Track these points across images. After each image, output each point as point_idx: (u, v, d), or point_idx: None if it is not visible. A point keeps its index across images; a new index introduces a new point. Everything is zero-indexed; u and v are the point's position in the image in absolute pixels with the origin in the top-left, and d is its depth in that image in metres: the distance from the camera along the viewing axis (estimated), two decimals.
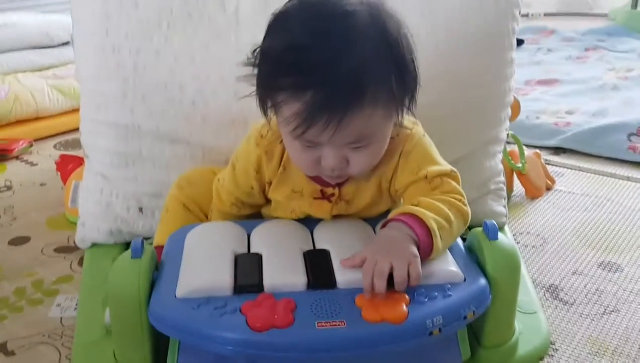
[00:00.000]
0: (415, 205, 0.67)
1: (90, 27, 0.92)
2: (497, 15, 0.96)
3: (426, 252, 0.65)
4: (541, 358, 0.75)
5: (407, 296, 0.61)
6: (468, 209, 0.71)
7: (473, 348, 0.70)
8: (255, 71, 0.66)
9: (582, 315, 0.84)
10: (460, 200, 0.70)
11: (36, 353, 0.78)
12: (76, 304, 0.88)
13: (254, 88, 0.68)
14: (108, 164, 0.95)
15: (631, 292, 0.90)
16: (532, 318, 0.81)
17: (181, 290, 0.63)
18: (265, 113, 0.68)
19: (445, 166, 0.73)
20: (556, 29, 2.72)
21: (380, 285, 0.60)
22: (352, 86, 0.60)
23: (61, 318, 0.85)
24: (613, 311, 0.85)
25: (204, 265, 0.67)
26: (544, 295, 0.89)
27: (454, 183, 0.72)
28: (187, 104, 0.92)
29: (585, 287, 0.91)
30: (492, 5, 0.96)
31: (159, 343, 0.68)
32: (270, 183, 0.76)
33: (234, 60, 0.75)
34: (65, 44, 1.82)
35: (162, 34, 0.90)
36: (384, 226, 0.68)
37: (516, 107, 1.15)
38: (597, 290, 0.91)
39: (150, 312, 0.63)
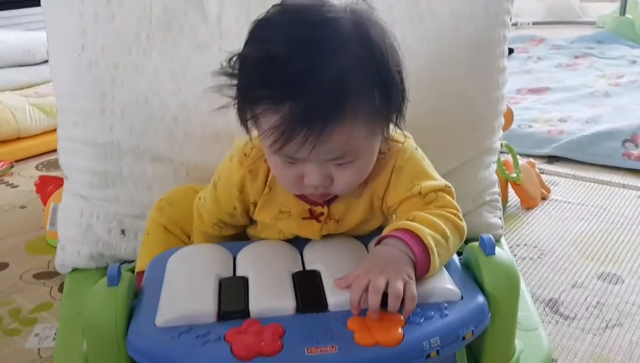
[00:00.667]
0: (411, 220, 0.64)
1: (65, 42, 0.88)
2: (488, 23, 0.94)
3: (423, 270, 0.62)
4: None
5: (401, 317, 0.57)
6: (464, 224, 0.68)
7: None
8: (234, 81, 0.63)
9: (584, 330, 0.81)
10: (455, 215, 0.67)
11: None
12: (55, 334, 0.83)
13: (229, 99, 0.64)
14: (87, 184, 0.91)
15: (633, 304, 0.87)
16: (532, 335, 0.77)
17: (161, 319, 0.59)
18: (245, 126, 0.64)
19: (440, 181, 0.70)
20: (545, 37, 2.72)
21: (375, 300, 0.56)
22: (332, 99, 0.57)
23: (39, 349, 0.81)
24: (616, 325, 0.82)
25: (186, 291, 0.63)
26: (544, 310, 0.86)
27: (448, 197, 0.69)
28: (168, 120, 0.88)
29: (585, 300, 0.88)
30: (483, 13, 0.93)
31: None
32: (255, 204, 0.72)
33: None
34: (47, 61, 1.78)
35: (141, 46, 0.86)
36: (379, 242, 0.64)
37: (509, 116, 1.12)
38: (598, 303, 0.87)
39: (129, 343, 0.59)
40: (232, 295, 0.62)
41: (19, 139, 1.56)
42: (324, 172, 0.62)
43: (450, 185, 0.70)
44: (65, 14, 0.87)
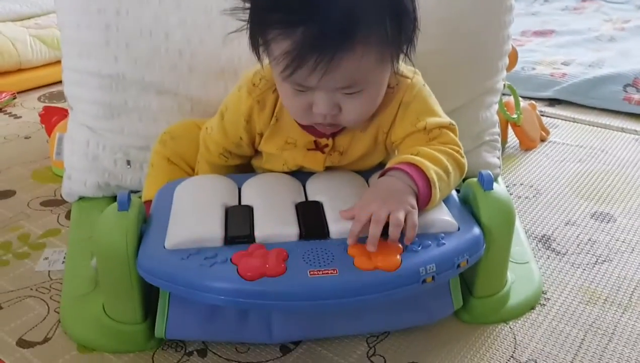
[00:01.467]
0: (415, 155, 0.65)
1: None
2: None
3: (424, 202, 0.64)
4: (533, 308, 0.75)
5: (400, 245, 0.59)
6: (465, 161, 0.70)
7: (465, 298, 0.70)
8: (247, 5, 0.63)
9: (574, 265, 0.84)
10: (458, 152, 0.69)
11: (24, 306, 0.77)
12: (64, 258, 0.86)
13: (243, 24, 0.64)
14: (93, 115, 0.92)
15: (623, 241, 0.90)
16: (524, 268, 0.80)
17: (170, 242, 0.62)
18: (256, 52, 0.65)
19: (445, 118, 0.71)
20: None
21: (375, 230, 0.58)
22: (343, 25, 0.57)
23: (49, 271, 0.84)
24: (605, 261, 0.85)
25: (194, 217, 0.65)
26: (537, 245, 0.89)
27: (451, 135, 0.71)
28: (173, 53, 0.88)
29: (577, 237, 0.91)
30: None
31: (149, 294, 0.67)
32: (261, 135, 0.74)
33: (222, 6, 0.71)
34: None
35: None
36: (383, 174, 0.66)
37: (514, 56, 1.12)
38: (589, 240, 0.90)
39: (139, 264, 0.62)
40: (238, 221, 0.65)
41: (20, 70, 1.55)
42: (332, 101, 0.63)
43: (454, 123, 0.72)
44: None
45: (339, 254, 0.59)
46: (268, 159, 0.76)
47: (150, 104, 0.91)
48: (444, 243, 0.60)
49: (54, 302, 0.77)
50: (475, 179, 0.70)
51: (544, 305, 0.76)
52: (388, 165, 0.66)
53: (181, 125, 0.87)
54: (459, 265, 0.61)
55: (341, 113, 0.65)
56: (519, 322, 0.73)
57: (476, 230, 0.64)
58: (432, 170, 0.64)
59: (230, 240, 0.62)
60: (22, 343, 0.70)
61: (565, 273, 0.82)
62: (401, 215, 0.59)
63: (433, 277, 0.58)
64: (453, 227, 0.63)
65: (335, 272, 0.56)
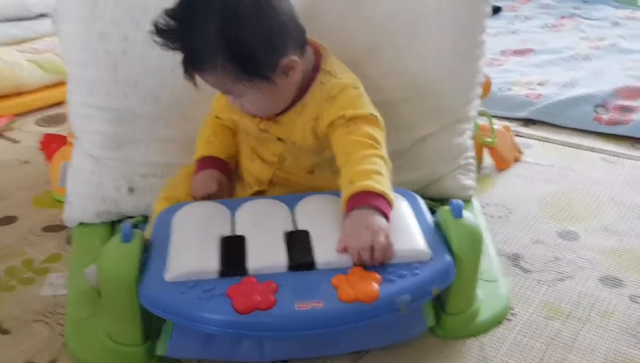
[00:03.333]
0: (351, 182, 0.74)
1: (76, 14, 0.93)
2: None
3: (388, 209, 0.73)
4: (500, 322, 0.82)
5: (378, 275, 0.67)
6: (381, 152, 0.78)
7: (438, 314, 0.78)
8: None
9: (540, 282, 0.91)
10: (371, 145, 0.78)
11: (31, 330, 0.83)
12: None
13: None
14: (100, 145, 0.98)
15: (585, 259, 0.97)
16: (493, 285, 0.88)
17: (170, 274, 0.68)
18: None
19: (365, 110, 0.81)
20: None
21: (366, 257, 0.68)
22: (195, 57, 0.77)
23: (54, 296, 0.90)
24: (568, 277, 0.92)
25: (192, 249, 0.72)
26: (506, 263, 0.96)
27: (367, 127, 0.80)
28: (179, 88, 0.94)
29: (544, 255, 0.98)
30: None
31: (148, 317, 0.73)
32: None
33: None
34: (43, 15, 1.81)
35: (150, 19, 0.91)
36: (348, 211, 0.74)
37: (487, 86, 1.19)
38: (555, 258, 0.98)
39: (141, 295, 0.68)
40: (232, 253, 0.71)
41: (18, 94, 1.61)
42: (233, 98, 0.82)
43: (376, 114, 0.82)
44: None
45: (324, 286, 0.66)
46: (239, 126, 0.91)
47: (158, 135, 0.98)
48: (418, 273, 0.68)
49: (59, 326, 0.83)
50: (447, 207, 0.77)
51: (511, 320, 0.83)
52: (344, 196, 0.74)
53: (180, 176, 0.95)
54: (431, 293, 0.68)
55: (246, 107, 0.82)
56: (487, 336, 0.80)
57: (447, 259, 0.71)
58: (376, 184, 0.73)
59: (224, 272, 0.68)
60: None
61: (531, 290, 0.90)
62: (382, 239, 0.68)
63: (407, 306, 0.65)
64: (426, 256, 0.70)
65: (320, 304, 0.64)
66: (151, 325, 0.75)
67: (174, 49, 0.76)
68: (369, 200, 0.72)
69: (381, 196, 0.73)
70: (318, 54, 0.85)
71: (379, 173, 0.75)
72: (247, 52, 0.75)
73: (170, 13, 0.76)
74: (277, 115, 0.85)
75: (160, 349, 0.73)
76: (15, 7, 1.75)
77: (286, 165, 0.88)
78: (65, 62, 0.99)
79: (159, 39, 0.76)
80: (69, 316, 0.83)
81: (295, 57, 0.79)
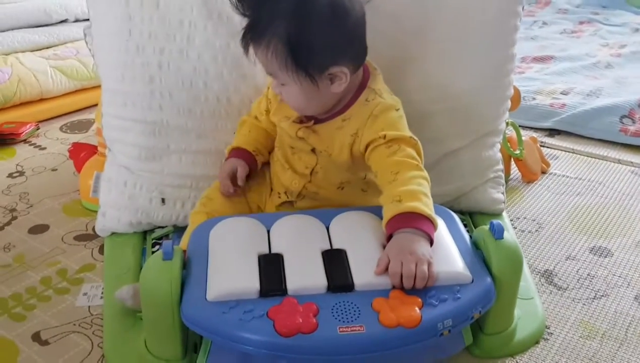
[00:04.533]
0: (399, 201, 0.74)
1: (111, 28, 0.94)
2: (500, 13, 1.00)
3: (432, 231, 0.73)
4: (537, 342, 0.82)
5: (419, 299, 0.67)
6: (426, 173, 0.79)
7: (475, 334, 0.77)
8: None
9: (575, 300, 0.91)
10: (417, 166, 0.79)
11: (69, 342, 0.83)
12: (102, 292, 0.93)
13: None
14: (134, 157, 0.99)
15: (620, 276, 0.97)
16: (529, 304, 0.87)
17: (211, 294, 0.68)
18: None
19: (405, 132, 0.82)
20: None
21: (409, 285, 0.68)
22: (258, 29, 0.78)
23: (89, 307, 0.90)
24: (603, 296, 0.92)
25: (231, 269, 0.72)
26: (540, 280, 0.96)
27: (409, 149, 0.80)
28: (212, 101, 0.96)
29: (577, 272, 0.98)
30: (495, 3, 0.99)
31: (186, 331, 0.74)
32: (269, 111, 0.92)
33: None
34: (64, 21, 1.82)
35: (185, 33, 0.93)
36: (390, 232, 0.73)
37: (516, 99, 1.19)
38: (588, 275, 0.97)
39: (184, 314, 0.68)
40: (271, 273, 0.71)
41: (41, 100, 1.62)
42: (276, 84, 0.83)
43: (415, 137, 0.82)
44: (109, 0, 0.92)
45: (365, 309, 0.66)
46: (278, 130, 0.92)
47: (191, 146, 0.98)
48: (460, 297, 0.67)
49: (97, 337, 0.84)
50: (486, 228, 0.77)
51: (547, 339, 0.83)
52: (389, 213, 0.74)
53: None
54: (472, 317, 0.68)
55: (284, 97, 0.83)
56: (525, 356, 0.80)
57: (488, 281, 0.71)
58: (423, 206, 0.73)
59: (265, 293, 0.68)
60: None
61: (566, 308, 0.89)
62: (425, 268, 0.68)
63: (449, 330, 0.65)
64: (467, 279, 0.70)
65: (362, 328, 0.64)
66: (188, 339, 0.75)
67: (242, 14, 0.79)
68: (416, 223, 0.72)
69: (428, 219, 0.73)
70: (367, 72, 0.86)
71: (426, 195, 0.75)
72: (304, 44, 0.76)
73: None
74: (316, 123, 0.85)
75: None
76: (36, 14, 1.75)
77: (317, 179, 0.89)
78: (101, 75, 1.00)
79: (235, 1, 0.78)
80: (107, 329, 0.83)
81: (346, 70, 0.79)
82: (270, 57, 0.78)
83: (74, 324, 0.87)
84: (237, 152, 0.92)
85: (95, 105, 1.03)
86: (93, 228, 1.07)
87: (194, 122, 0.97)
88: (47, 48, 1.74)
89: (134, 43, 0.92)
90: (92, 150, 1.21)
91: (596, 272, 0.98)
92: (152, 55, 0.93)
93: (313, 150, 0.87)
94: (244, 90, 0.95)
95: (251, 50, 0.80)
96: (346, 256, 0.74)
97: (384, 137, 0.80)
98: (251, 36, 0.79)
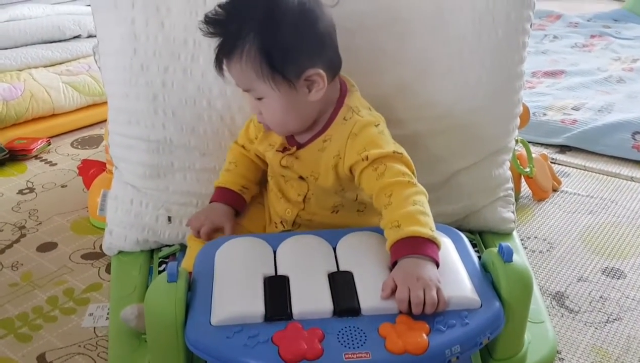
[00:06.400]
0: (398, 227, 0.73)
1: (117, 46, 0.94)
2: (508, 30, 0.99)
3: (437, 252, 0.72)
4: None
5: (427, 325, 0.65)
6: (420, 187, 0.77)
7: (484, 359, 0.75)
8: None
9: (587, 324, 0.89)
10: (409, 183, 0.77)
11: None
12: (107, 313, 0.92)
13: None
14: (139, 175, 0.99)
15: (633, 299, 0.95)
16: (540, 327, 0.86)
17: (215, 318, 0.68)
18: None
19: (387, 148, 0.79)
20: (562, 12, 2.72)
21: (418, 312, 0.66)
22: (225, 42, 0.78)
23: (94, 328, 0.90)
24: (616, 319, 0.90)
25: (236, 292, 0.71)
26: (551, 302, 0.94)
27: (397, 166, 0.78)
28: (215, 119, 0.96)
29: (589, 294, 0.96)
30: (504, 20, 0.98)
31: (191, 356, 0.73)
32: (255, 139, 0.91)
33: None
34: (77, 37, 1.84)
35: (189, 52, 0.93)
36: (395, 258, 0.72)
37: (525, 116, 1.17)
38: (600, 297, 0.95)
39: (187, 338, 0.68)
40: (277, 297, 0.70)
41: (53, 115, 1.63)
42: (253, 103, 0.81)
43: (400, 151, 0.80)
44: (115, 20, 0.93)
45: (371, 334, 0.65)
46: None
47: (195, 165, 0.98)
48: (468, 323, 0.66)
49: (101, 360, 0.84)
50: (495, 250, 0.76)
51: None
52: (390, 240, 0.73)
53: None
54: (481, 343, 0.66)
55: (263, 117, 0.82)
56: None
57: (497, 306, 0.69)
58: (426, 228, 0.72)
59: (270, 317, 0.67)
60: None
61: (578, 332, 0.88)
62: (434, 294, 0.66)
63: (457, 357, 0.64)
64: (476, 304, 0.69)
65: (368, 355, 0.62)
66: (193, 362, 0.75)
67: (212, 34, 0.78)
68: (418, 249, 0.71)
69: (430, 241, 0.72)
70: (344, 88, 0.85)
71: (424, 213, 0.74)
72: (277, 47, 0.76)
73: (222, 4, 0.79)
74: (299, 148, 0.84)
75: None
76: (49, 30, 1.78)
77: (310, 206, 0.88)
78: (107, 93, 1.00)
79: (203, 27, 0.78)
80: (112, 350, 0.83)
81: (322, 72, 0.79)
82: (245, 66, 0.77)
83: (79, 345, 0.87)
84: (223, 194, 0.90)
85: (106, 120, 1.03)
86: (100, 247, 1.07)
87: (198, 140, 0.97)
88: (60, 64, 1.76)
89: (139, 61, 0.93)
90: (101, 167, 1.21)
91: (609, 295, 0.96)
92: (156, 73, 0.93)
93: (301, 177, 0.86)
94: (247, 108, 0.94)
95: (226, 71, 0.80)
96: (353, 279, 0.73)
97: (367, 158, 0.78)
98: (224, 53, 0.79)
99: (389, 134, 0.83)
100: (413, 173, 0.79)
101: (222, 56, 0.79)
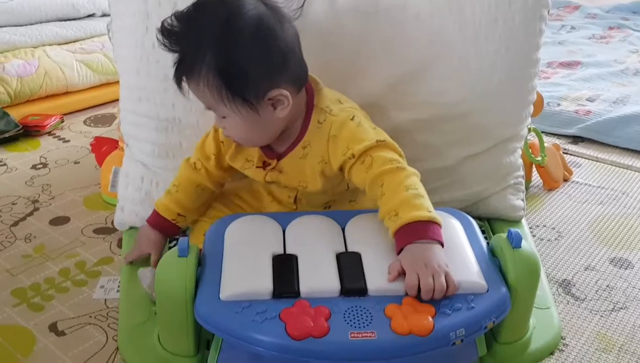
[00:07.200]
0: (396, 215, 0.72)
1: (130, 24, 0.95)
2: (525, 16, 0.98)
3: (440, 231, 0.72)
4: (552, 353, 0.81)
5: (432, 307, 0.66)
6: (410, 169, 0.77)
7: (489, 343, 0.76)
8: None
9: (592, 312, 0.90)
10: (398, 168, 0.76)
11: (85, 334, 0.85)
12: (118, 286, 0.94)
13: None
14: (149, 154, 1.00)
15: (639, 289, 0.95)
16: (545, 313, 0.86)
17: (225, 293, 0.69)
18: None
19: (370, 140, 0.78)
20: (581, 3, 2.69)
21: (428, 298, 0.67)
22: (184, 62, 0.76)
23: (105, 300, 0.92)
24: (622, 308, 0.90)
25: (245, 269, 0.72)
26: (557, 290, 0.94)
27: (383, 153, 0.77)
28: None
29: (596, 283, 0.96)
30: (521, 6, 0.97)
31: (199, 328, 0.74)
32: (224, 154, 0.88)
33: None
34: (91, 15, 1.84)
35: None
36: (400, 246, 0.72)
37: (539, 104, 1.17)
38: (607, 286, 0.95)
39: (197, 312, 0.69)
40: (285, 274, 0.71)
41: (67, 93, 1.64)
42: (218, 119, 0.80)
43: (381, 138, 0.78)
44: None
45: (377, 315, 0.65)
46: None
47: None
48: (473, 307, 0.66)
49: (112, 330, 0.85)
50: (504, 235, 0.76)
51: (563, 350, 0.82)
52: (391, 229, 0.73)
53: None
54: (486, 327, 0.67)
55: (229, 131, 0.80)
56: None
57: (503, 291, 0.70)
58: (422, 213, 0.71)
59: (278, 294, 0.68)
60: None
61: (583, 320, 0.88)
62: (443, 280, 0.67)
63: (462, 340, 0.64)
64: (482, 288, 0.69)
65: (373, 335, 0.63)
66: (201, 336, 0.76)
67: (170, 49, 0.76)
68: (421, 233, 0.70)
69: (430, 222, 0.71)
70: (310, 91, 0.83)
71: (418, 196, 0.73)
72: (235, 71, 0.74)
73: (178, 15, 0.76)
74: (279, 159, 0.84)
75: (211, 361, 0.74)
76: (65, 8, 1.78)
77: (302, 205, 0.89)
78: (118, 71, 1.01)
79: (160, 38, 0.76)
80: (122, 322, 0.84)
81: (286, 92, 0.76)
82: (204, 89, 0.75)
83: (90, 316, 0.88)
84: (157, 220, 0.91)
85: (118, 99, 1.04)
86: (112, 222, 1.08)
87: (206, 120, 0.97)
88: (74, 42, 1.76)
89: (150, 40, 0.93)
90: (113, 144, 1.22)
91: (615, 284, 0.96)
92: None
93: (286, 187, 0.87)
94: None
95: (185, 85, 0.77)
96: (360, 259, 0.74)
97: (352, 156, 0.77)
98: (182, 70, 0.76)
99: (367, 119, 0.82)
100: (401, 155, 0.79)
101: (182, 74, 0.77)
